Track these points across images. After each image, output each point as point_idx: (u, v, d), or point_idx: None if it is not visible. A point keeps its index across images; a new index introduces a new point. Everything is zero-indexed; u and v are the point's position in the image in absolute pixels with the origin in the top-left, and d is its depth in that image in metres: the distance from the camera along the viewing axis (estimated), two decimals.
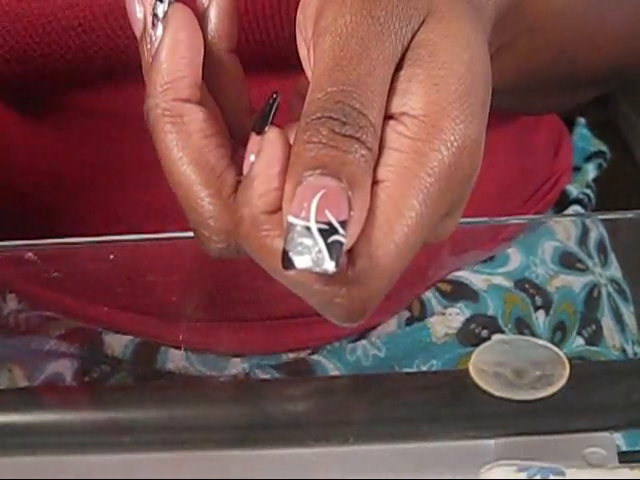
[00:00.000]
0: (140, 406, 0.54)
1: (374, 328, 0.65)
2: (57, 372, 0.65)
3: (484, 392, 0.52)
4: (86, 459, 0.51)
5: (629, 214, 0.59)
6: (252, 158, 0.39)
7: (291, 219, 0.36)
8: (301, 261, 0.36)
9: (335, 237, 0.36)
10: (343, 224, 0.36)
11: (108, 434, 0.52)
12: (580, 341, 0.68)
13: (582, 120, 0.80)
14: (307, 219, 0.36)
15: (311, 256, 0.36)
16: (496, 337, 0.62)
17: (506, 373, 0.52)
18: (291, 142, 0.38)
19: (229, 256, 0.41)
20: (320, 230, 0.36)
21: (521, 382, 0.52)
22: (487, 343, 0.54)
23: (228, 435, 0.53)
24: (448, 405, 0.54)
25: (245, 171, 0.39)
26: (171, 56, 0.40)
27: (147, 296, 0.63)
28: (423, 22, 0.39)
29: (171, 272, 0.62)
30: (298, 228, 0.36)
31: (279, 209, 0.38)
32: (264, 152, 0.38)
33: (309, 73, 0.41)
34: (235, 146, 0.42)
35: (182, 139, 0.40)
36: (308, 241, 0.36)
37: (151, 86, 0.40)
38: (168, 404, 0.55)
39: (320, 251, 0.36)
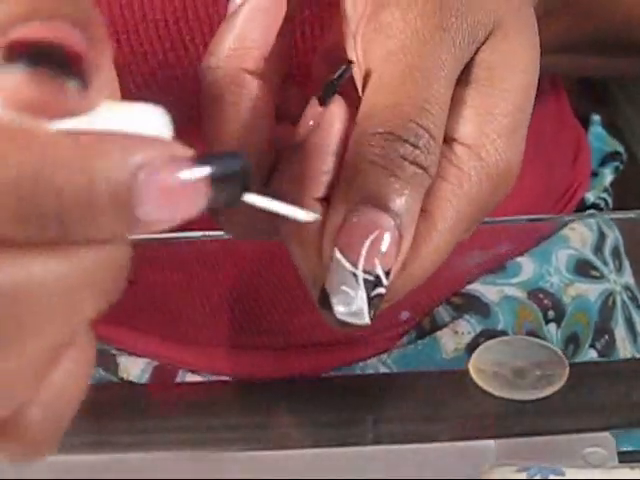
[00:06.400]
0: (139, 406, 0.54)
1: (385, 351, 0.64)
2: None
3: (484, 392, 0.52)
4: (86, 459, 0.51)
5: (631, 214, 0.59)
6: (309, 127, 0.36)
7: (338, 256, 0.34)
8: (340, 310, 0.35)
9: (378, 290, 0.34)
10: (388, 273, 0.34)
11: (108, 434, 0.52)
12: (593, 354, 0.66)
13: (597, 118, 0.78)
14: (355, 265, 0.34)
15: (351, 307, 0.35)
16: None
17: (506, 373, 0.52)
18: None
19: (253, 238, 0.39)
20: (365, 280, 0.34)
21: (521, 382, 0.52)
22: (487, 343, 0.54)
23: (228, 435, 0.53)
24: (448, 405, 0.54)
25: (298, 139, 0.37)
26: (247, 21, 0.37)
27: (164, 318, 0.62)
28: (488, 36, 0.37)
29: (188, 295, 0.60)
30: (344, 272, 0.34)
31: (326, 196, 0.36)
32: (324, 127, 0.36)
33: (351, 52, 0.38)
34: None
35: (235, 113, 0.37)
36: (352, 291, 0.34)
37: (217, 46, 0.37)
38: (168, 404, 0.55)
39: (362, 305, 0.35)
